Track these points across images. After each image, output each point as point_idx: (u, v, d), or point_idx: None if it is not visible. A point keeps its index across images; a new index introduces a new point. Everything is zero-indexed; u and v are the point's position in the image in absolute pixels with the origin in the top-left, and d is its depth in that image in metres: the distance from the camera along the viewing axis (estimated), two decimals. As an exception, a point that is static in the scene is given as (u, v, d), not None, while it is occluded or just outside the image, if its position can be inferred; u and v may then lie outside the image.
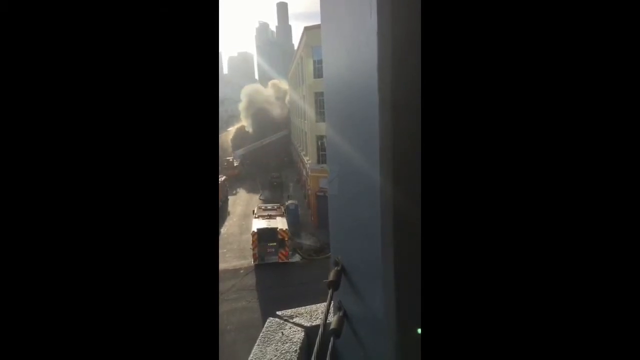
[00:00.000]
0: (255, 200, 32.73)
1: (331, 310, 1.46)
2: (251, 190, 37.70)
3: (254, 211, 23.89)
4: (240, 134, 54.17)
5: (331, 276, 1.44)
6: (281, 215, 22.28)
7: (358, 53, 1.19)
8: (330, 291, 1.40)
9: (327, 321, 1.34)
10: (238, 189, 37.60)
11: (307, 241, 22.91)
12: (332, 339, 1.29)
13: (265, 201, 30.03)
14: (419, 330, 1.08)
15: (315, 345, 1.22)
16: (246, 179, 41.35)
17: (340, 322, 1.38)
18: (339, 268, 1.48)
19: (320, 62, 23.87)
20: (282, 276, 18.73)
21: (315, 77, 24.69)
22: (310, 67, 25.24)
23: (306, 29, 26.05)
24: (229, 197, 33.81)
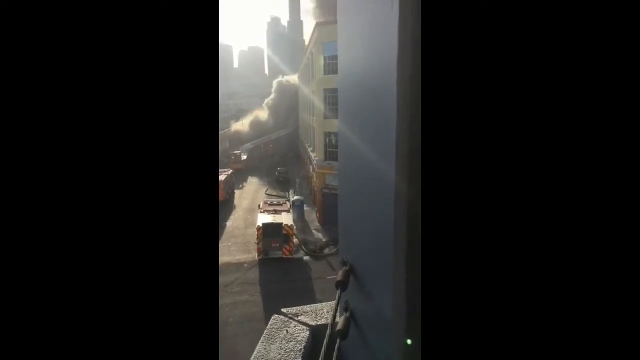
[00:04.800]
0: (261, 194, 32.85)
1: (338, 310, 1.44)
2: (257, 184, 37.90)
3: (259, 205, 23.97)
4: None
5: (339, 276, 1.41)
6: (287, 211, 22.33)
7: (377, 47, 1.15)
8: (338, 291, 1.37)
9: (335, 321, 1.31)
10: (244, 183, 37.81)
11: (311, 237, 22.97)
12: (338, 340, 1.27)
13: (271, 196, 30.13)
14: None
15: (323, 347, 1.19)
16: (253, 173, 41.57)
17: (347, 323, 1.35)
18: (347, 268, 1.45)
19: (330, 58, 23.82)
20: (285, 271, 18.81)
21: (325, 73, 24.59)
22: (320, 63, 25.15)
23: (318, 24, 25.95)
24: (235, 191, 33.99)
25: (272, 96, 57.95)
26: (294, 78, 56.55)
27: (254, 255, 20.35)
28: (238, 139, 50.77)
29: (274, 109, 54.84)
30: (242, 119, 59.31)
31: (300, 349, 1.80)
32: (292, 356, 1.75)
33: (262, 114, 57.37)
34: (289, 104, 50.82)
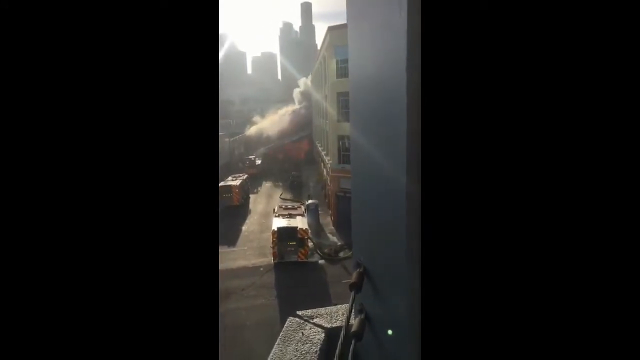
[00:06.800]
0: (275, 198, 33.01)
1: (353, 312, 1.45)
2: (272, 188, 38.13)
3: (274, 210, 24.09)
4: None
5: (353, 278, 1.42)
6: (301, 215, 22.36)
7: (386, 52, 1.17)
8: (352, 293, 1.38)
9: (349, 323, 1.32)
10: (259, 188, 38.09)
11: (326, 241, 22.93)
12: (353, 341, 1.27)
13: (285, 200, 30.25)
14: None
15: (338, 348, 1.20)
16: (267, 177, 41.88)
17: (362, 324, 1.36)
18: (361, 270, 1.46)
19: (343, 62, 23.80)
20: (300, 275, 18.81)
21: (338, 77, 24.62)
22: (333, 67, 25.18)
23: (330, 28, 26.03)
24: (250, 196, 34.26)
25: (301, 88, 56.76)
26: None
27: (269, 259, 20.42)
28: (258, 142, 51.00)
29: (307, 99, 53.24)
30: (260, 121, 59.74)
31: (316, 351, 1.81)
32: (308, 358, 1.77)
33: (292, 108, 56.75)
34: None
